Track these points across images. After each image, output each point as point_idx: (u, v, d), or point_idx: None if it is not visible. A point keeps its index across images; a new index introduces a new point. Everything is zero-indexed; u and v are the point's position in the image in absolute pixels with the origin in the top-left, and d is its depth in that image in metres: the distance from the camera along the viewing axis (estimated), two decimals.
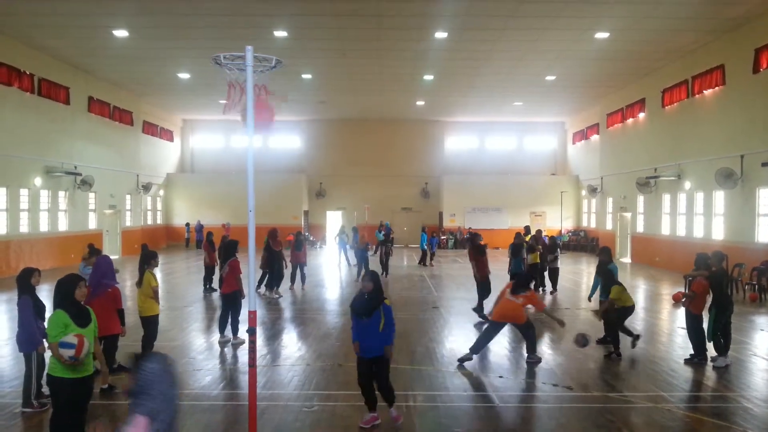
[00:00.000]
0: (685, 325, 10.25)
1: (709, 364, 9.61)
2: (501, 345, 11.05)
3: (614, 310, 10.40)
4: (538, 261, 17.24)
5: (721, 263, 10.08)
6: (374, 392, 6.97)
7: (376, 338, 6.83)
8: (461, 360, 9.61)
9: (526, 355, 9.96)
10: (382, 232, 24.83)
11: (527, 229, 18.63)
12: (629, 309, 10.50)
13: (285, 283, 17.36)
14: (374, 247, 23.61)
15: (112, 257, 9.25)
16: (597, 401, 7.88)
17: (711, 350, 9.88)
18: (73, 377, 5.50)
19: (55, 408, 5.65)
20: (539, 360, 9.82)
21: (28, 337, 7.35)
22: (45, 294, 10.36)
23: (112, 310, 8.24)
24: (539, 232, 18.79)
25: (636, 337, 10.57)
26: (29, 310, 7.35)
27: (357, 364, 7.03)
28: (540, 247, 17.72)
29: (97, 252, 9.77)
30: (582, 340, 9.47)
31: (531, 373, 9.24)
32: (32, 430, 6.92)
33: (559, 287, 17.75)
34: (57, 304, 5.62)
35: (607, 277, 10.90)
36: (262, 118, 6.01)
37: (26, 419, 7.20)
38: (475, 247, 14.20)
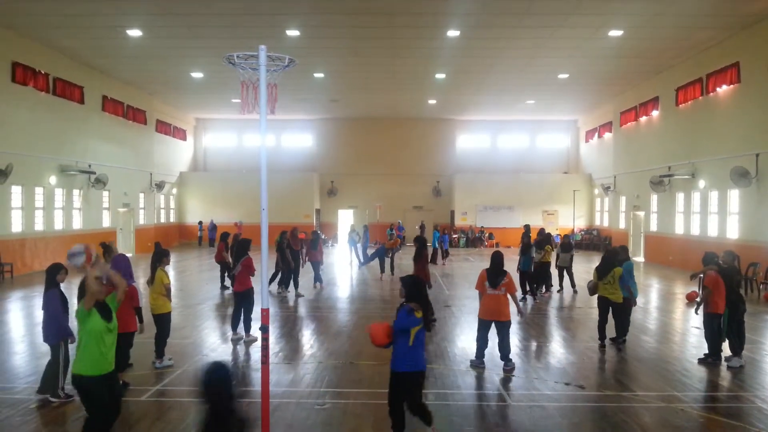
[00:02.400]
0: (699, 325, 10.18)
1: (723, 364, 9.54)
2: (512, 343, 11.02)
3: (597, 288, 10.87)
4: (549, 260, 17.09)
5: (732, 262, 10.01)
6: (402, 414, 6.28)
7: (406, 350, 6.19)
8: (473, 365, 9.39)
9: (502, 362, 9.27)
10: (393, 231, 25.05)
11: (527, 228, 18.41)
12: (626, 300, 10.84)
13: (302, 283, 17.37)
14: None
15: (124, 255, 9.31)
16: (610, 400, 7.85)
17: (725, 350, 9.81)
18: (96, 375, 5.53)
19: (87, 407, 5.67)
20: (514, 367, 9.25)
21: (57, 329, 7.62)
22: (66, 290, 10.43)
23: (129, 307, 8.31)
24: (527, 227, 18.60)
25: (604, 343, 10.73)
26: (57, 303, 7.62)
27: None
28: (550, 246, 17.60)
29: (109, 249, 9.80)
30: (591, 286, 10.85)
31: (543, 372, 9.20)
32: (48, 426, 6.99)
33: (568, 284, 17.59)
34: (79, 298, 5.79)
35: (607, 264, 10.74)
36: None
37: (42, 414, 7.28)
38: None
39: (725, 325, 9.58)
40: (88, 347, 5.57)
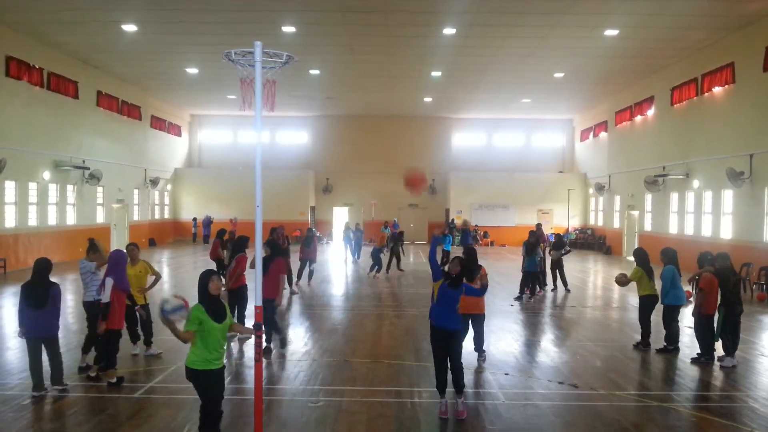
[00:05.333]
0: (692, 325, 10.21)
1: (716, 363, 9.58)
2: (506, 342, 11.05)
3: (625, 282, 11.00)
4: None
5: (726, 263, 10.02)
6: (446, 374, 7.22)
7: (453, 312, 7.19)
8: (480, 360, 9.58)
9: (476, 353, 9.56)
10: (388, 228, 25.15)
11: (539, 227, 18.50)
12: (651, 298, 10.69)
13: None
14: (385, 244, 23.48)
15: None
16: (603, 399, 7.87)
17: (718, 350, 9.85)
18: (208, 369, 5.60)
19: (202, 398, 5.72)
20: (485, 358, 9.66)
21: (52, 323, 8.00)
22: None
23: (120, 305, 8.32)
24: (539, 227, 18.67)
25: (644, 344, 10.63)
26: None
27: (430, 336, 7.33)
28: (543, 244, 17.64)
29: (95, 246, 9.68)
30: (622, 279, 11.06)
31: (537, 371, 9.23)
32: (41, 422, 6.97)
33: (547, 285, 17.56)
34: (198, 299, 5.71)
35: (643, 262, 10.84)
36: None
37: (36, 410, 7.26)
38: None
39: (720, 325, 9.61)
40: (202, 345, 5.58)
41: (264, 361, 10.39)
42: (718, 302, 9.77)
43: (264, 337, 9.90)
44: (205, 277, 5.73)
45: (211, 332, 5.58)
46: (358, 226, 26.97)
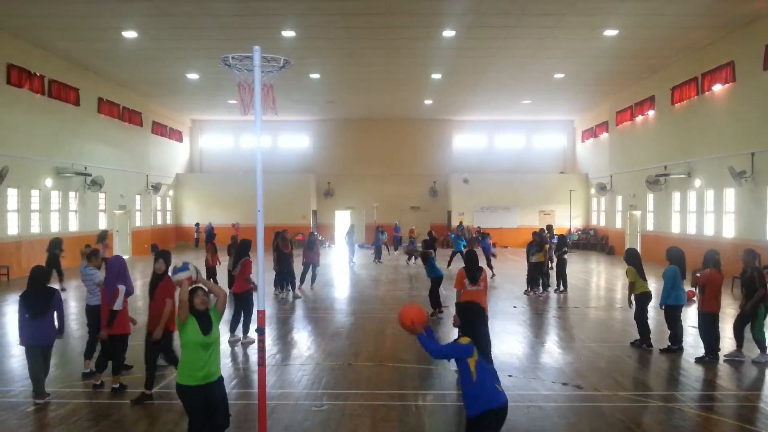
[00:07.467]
0: (696, 324, 10.19)
1: (721, 362, 9.56)
2: (509, 344, 11.03)
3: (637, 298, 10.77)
4: (543, 260, 17.09)
5: (753, 261, 9.98)
6: None
7: (497, 377, 5.18)
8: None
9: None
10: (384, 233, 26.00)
11: (549, 228, 19.01)
12: (645, 296, 10.70)
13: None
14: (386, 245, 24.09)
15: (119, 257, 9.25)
16: (607, 400, 7.85)
17: (724, 349, 9.86)
18: (188, 384, 5.50)
19: (187, 415, 5.67)
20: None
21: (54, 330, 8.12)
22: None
23: (125, 309, 8.32)
24: (544, 229, 18.73)
25: (644, 343, 10.61)
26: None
27: (482, 426, 4.95)
28: (547, 246, 17.64)
29: (95, 252, 9.58)
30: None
31: (541, 372, 9.21)
32: (44, 429, 6.97)
33: (568, 286, 17.57)
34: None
35: (634, 261, 10.84)
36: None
37: (38, 418, 7.26)
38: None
39: (760, 323, 9.62)
40: (184, 357, 5.57)
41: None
42: (754, 299, 9.67)
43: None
44: (190, 294, 5.66)
45: (194, 345, 5.51)
46: (353, 228, 28.15)
